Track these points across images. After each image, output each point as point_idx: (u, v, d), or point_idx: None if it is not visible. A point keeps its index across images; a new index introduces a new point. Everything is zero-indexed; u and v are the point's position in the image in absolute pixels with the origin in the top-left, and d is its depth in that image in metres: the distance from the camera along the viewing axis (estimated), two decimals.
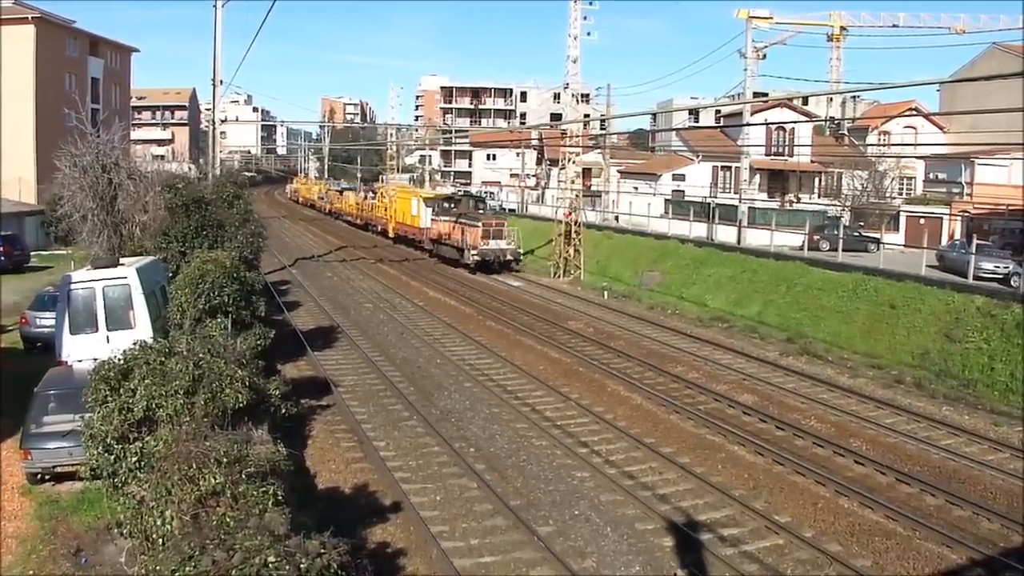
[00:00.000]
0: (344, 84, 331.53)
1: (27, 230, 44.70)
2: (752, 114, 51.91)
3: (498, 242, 43.58)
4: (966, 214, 43.03)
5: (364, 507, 14.30)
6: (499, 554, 12.83)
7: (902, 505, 14.76)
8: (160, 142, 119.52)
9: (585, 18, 47.20)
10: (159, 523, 8.59)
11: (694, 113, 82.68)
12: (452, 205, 48.94)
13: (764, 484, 15.86)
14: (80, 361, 16.65)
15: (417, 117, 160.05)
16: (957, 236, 39.70)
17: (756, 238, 40.97)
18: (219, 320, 17.81)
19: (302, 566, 7.06)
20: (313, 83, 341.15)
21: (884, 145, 56.27)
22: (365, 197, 70.75)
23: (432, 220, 49.62)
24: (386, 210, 61.16)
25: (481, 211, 49.14)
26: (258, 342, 18.01)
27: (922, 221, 42.72)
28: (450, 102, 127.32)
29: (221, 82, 38.08)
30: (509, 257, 44.16)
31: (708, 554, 12.84)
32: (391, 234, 58.95)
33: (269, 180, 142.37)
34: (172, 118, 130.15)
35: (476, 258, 43.09)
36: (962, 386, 22.73)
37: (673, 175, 60.02)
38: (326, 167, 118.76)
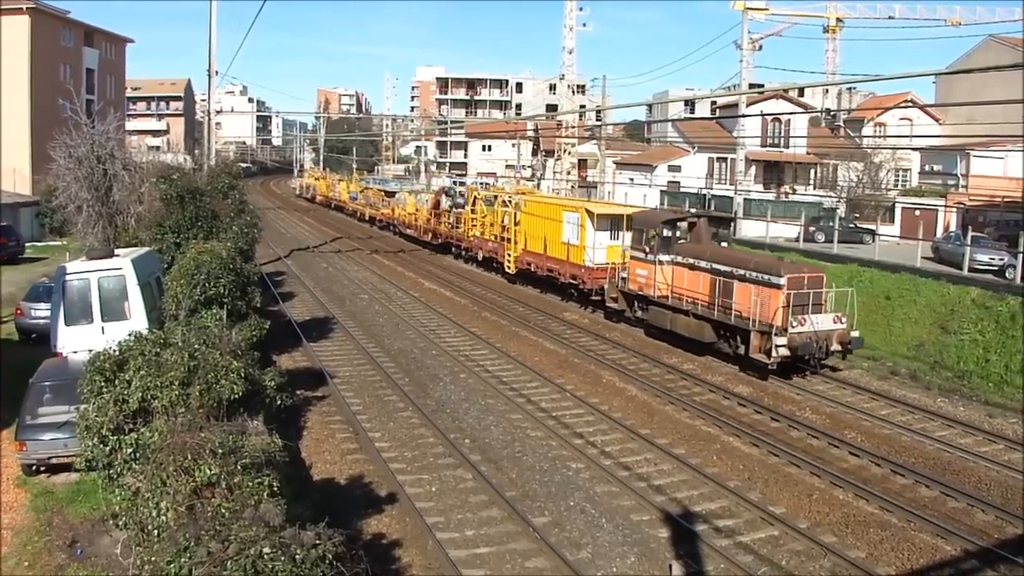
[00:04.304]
0: (340, 75, 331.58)
1: (22, 221, 44.54)
2: (748, 105, 51.98)
3: (820, 318, 22.01)
4: (961, 206, 43.12)
5: (359, 498, 14.33)
6: (494, 545, 12.85)
7: (897, 496, 14.82)
8: (155, 133, 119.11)
9: (581, 9, 47.42)
10: (154, 514, 8.59)
11: (690, 104, 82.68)
12: (670, 231, 26.47)
13: (759, 475, 15.91)
14: (75, 352, 16.64)
15: (413, 108, 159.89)
16: (952, 228, 39.79)
17: (752, 229, 41.09)
18: (214, 311, 17.77)
19: (297, 557, 7.09)
20: (309, 73, 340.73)
21: (880, 137, 56.33)
22: (438, 202, 49.01)
23: (634, 260, 27.61)
24: (491, 227, 40.52)
25: (723, 243, 28.12)
26: (253, 333, 17.97)
27: (917, 213, 42.80)
28: (446, 93, 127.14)
29: (216, 73, 38.02)
30: (837, 347, 22.20)
31: (703, 545, 12.87)
32: (511, 267, 37.32)
33: (264, 171, 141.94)
34: (167, 109, 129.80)
35: (784, 351, 21.54)
36: (957, 378, 22.82)
37: (669, 166, 60.13)
38: (322, 158, 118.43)
